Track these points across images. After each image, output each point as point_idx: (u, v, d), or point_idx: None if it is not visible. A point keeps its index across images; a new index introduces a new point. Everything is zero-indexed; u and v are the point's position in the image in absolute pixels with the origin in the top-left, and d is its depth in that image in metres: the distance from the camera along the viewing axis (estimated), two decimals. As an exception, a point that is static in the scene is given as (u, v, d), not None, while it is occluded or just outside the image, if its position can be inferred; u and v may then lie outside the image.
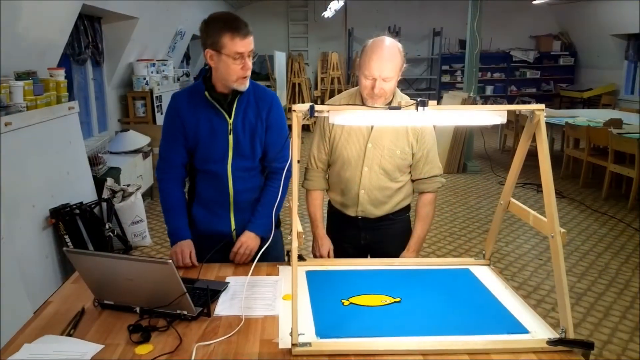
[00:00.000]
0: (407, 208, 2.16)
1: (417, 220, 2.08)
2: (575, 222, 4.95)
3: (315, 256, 2.11)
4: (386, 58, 1.78)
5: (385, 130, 1.94)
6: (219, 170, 1.92)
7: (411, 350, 1.35)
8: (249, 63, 1.78)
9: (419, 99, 1.41)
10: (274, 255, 1.98)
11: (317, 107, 1.41)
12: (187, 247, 1.90)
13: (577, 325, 3.05)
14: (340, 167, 2.04)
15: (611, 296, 3.43)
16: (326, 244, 2.09)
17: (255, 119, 1.90)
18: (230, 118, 1.88)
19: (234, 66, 1.75)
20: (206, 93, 1.85)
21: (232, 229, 1.99)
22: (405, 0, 10.77)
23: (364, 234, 2.12)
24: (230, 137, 1.89)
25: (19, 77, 3.21)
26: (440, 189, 2.13)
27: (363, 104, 1.87)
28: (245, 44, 1.74)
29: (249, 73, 1.81)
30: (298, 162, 1.43)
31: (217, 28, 1.73)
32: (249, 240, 1.92)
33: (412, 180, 2.08)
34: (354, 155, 1.99)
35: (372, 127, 1.95)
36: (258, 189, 1.99)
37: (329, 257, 2.07)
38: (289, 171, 1.94)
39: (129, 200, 4.14)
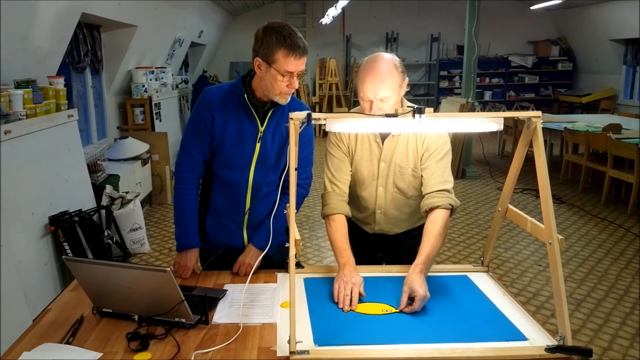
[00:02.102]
0: None
1: (424, 236, 1.76)
2: (575, 227, 4.95)
3: (336, 295, 1.65)
4: (380, 79, 1.68)
5: (396, 148, 1.86)
6: (238, 180, 1.87)
7: (409, 358, 1.35)
8: (296, 83, 1.72)
9: (415, 107, 1.42)
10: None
11: (315, 115, 1.42)
12: (191, 261, 1.88)
13: (577, 332, 3.05)
14: (354, 186, 1.95)
15: (611, 302, 3.43)
16: (357, 280, 1.68)
17: (286, 131, 1.82)
18: (262, 126, 1.83)
19: (280, 82, 1.70)
20: (245, 96, 1.79)
21: (245, 246, 1.96)
22: (403, 3, 10.83)
23: (381, 248, 2.07)
24: (258, 145, 1.83)
25: (19, 85, 3.22)
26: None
27: None
28: (298, 65, 1.69)
29: (293, 91, 1.77)
30: (295, 169, 1.44)
31: (273, 41, 1.66)
32: (247, 259, 1.89)
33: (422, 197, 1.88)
34: (367, 176, 1.91)
35: (382, 145, 1.87)
36: (272, 207, 1.88)
37: (352, 296, 1.63)
38: (304, 188, 1.94)
39: (127, 207, 4.14)
